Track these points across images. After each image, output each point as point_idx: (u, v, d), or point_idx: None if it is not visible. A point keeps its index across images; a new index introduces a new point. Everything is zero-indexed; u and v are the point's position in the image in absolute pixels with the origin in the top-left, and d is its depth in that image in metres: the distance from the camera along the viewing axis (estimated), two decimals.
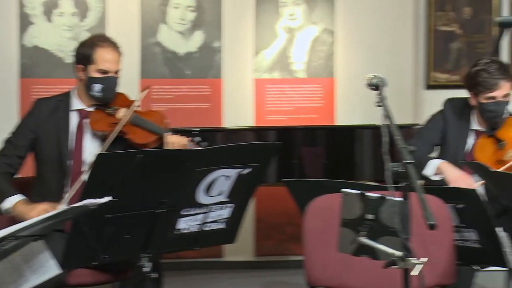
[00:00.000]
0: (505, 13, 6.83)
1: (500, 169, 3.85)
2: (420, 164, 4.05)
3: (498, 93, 4.04)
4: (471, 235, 3.46)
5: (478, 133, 4.16)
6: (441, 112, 4.27)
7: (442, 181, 4.01)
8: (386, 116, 2.88)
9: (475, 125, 4.17)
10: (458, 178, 3.96)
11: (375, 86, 2.95)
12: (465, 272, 3.92)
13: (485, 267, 3.91)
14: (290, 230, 6.47)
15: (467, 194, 3.43)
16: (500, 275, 4.09)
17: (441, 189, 3.59)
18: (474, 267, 3.89)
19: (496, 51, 2.34)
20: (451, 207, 3.44)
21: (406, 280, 2.75)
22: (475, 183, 3.90)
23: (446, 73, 6.86)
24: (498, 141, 4.04)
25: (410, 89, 6.73)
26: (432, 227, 2.61)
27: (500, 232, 3.38)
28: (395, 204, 2.74)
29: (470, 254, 3.49)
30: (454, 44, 6.93)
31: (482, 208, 3.36)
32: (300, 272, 3.64)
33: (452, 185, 3.93)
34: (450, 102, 4.30)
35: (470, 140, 4.17)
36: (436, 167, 4.06)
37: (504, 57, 6.93)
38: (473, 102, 4.13)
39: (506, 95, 4.07)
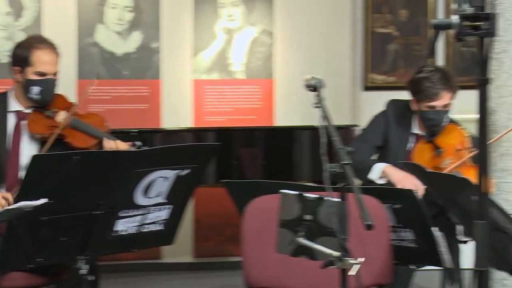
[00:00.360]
0: (440, 16, 6.93)
1: None
2: (364, 169, 4.07)
3: (438, 103, 4.07)
4: (408, 235, 3.49)
5: (418, 137, 4.19)
6: (383, 113, 4.30)
7: (388, 184, 4.04)
8: (324, 117, 2.89)
9: (416, 129, 4.20)
10: (404, 179, 3.99)
11: (313, 87, 2.96)
12: (404, 272, 3.97)
13: (421, 267, 3.95)
14: (229, 231, 6.47)
15: (404, 195, 3.46)
16: (436, 274, 4.14)
17: (378, 190, 3.62)
18: (411, 267, 3.93)
19: (431, 52, 2.37)
20: (388, 207, 3.47)
21: (343, 280, 2.77)
22: (420, 184, 3.93)
23: (383, 75, 6.94)
24: (436, 148, 4.09)
25: (348, 90, 6.78)
26: (369, 227, 2.63)
27: (436, 232, 3.42)
28: (333, 205, 2.75)
29: (407, 254, 3.52)
30: (391, 46, 7.00)
31: (419, 208, 3.40)
32: (239, 273, 3.63)
33: (398, 186, 3.96)
34: (393, 103, 4.32)
35: (410, 144, 4.21)
36: (381, 171, 4.08)
37: (439, 58, 7.03)
38: (414, 107, 4.17)
39: (447, 105, 4.10)
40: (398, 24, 7.01)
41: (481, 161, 2.35)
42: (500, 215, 2.76)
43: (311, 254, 2.81)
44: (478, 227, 2.35)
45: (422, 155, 4.08)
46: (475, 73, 2.34)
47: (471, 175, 3.89)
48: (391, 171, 4.05)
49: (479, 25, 2.24)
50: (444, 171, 3.94)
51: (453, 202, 3.10)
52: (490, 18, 2.24)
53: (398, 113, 4.24)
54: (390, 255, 3.45)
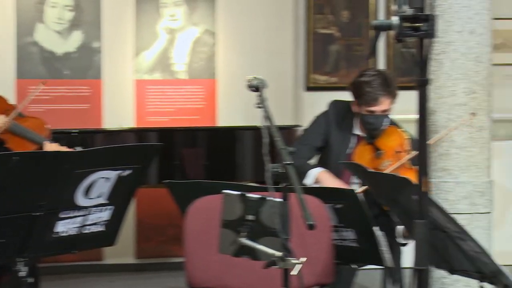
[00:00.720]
0: (381, 17, 7.00)
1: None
2: (301, 174, 4.08)
3: (377, 108, 4.10)
4: (349, 234, 3.51)
5: (359, 138, 4.22)
6: (324, 114, 4.31)
7: None
8: (266, 117, 2.89)
9: (357, 130, 4.23)
10: (333, 184, 4.03)
11: (255, 87, 2.96)
12: (345, 271, 3.99)
13: (363, 266, 3.98)
14: (171, 231, 6.44)
15: (346, 194, 3.49)
16: (377, 273, 4.18)
17: (320, 190, 3.64)
18: (353, 266, 3.96)
19: (372, 53, 2.38)
20: (330, 207, 3.49)
21: (285, 280, 2.78)
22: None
23: (325, 75, 6.98)
24: (376, 150, 4.12)
25: (290, 90, 6.80)
26: (311, 227, 2.64)
27: (377, 231, 3.45)
28: (275, 205, 2.75)
29: (348, 253, 3.54)
30: (333, 47, 7.05)
31: (360, 208, 3.43)
32: (181, 274, 3.62)
33: None
34: (334, 104, 4.34)
35: (352, 144, 4.23)
36: (315, 177, 4.10)
37: (380, 59, 7.10)
38: (355, 109, 4.19)
39: (386, 110, 4.13)
40: (340, 25, 7.06)
41: (421, 161, 2.37)
42: (440, 214, 2.79)
43: (254, 254, 2.81)
44: (418, 226, 2.38)
45: (362, 156, 4.11)
46: (415, 74, 2.37)
47: (409, 177, 3.97)
48: (324, 177, 4.08)
49: (418, 26, 2.27)
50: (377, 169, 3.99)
51: (394, 201, 3.13)
52: (429, 19, 2.27)
53: (340, 114, 4.26)
54: (332, 254, 3.47)
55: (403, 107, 6.12)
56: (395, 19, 2.28)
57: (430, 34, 2.28)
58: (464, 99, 4.43)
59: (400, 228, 3.97)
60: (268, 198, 2.78)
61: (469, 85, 4.45)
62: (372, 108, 4.09)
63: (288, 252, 2.70)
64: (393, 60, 7.08)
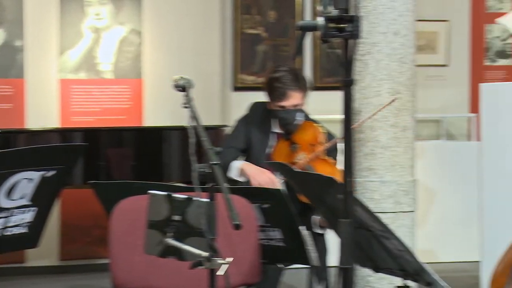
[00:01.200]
0: (308, 17, 7.05)
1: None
2: (224, 168, 4.10)
3: (287, 103, 4.15)
4: (276, 234, 3.53)
5: (278, 135, 4.26)
6: (244, 116, 4.35)
7: (248, 183, 4.08)
8: (193, 117, 2.88)
9: (276, 128, 4.27)
10: (259, 174, 4.05)
11: (182, 87, 2.95)
12: (272, 271, 4.01)
13: (289, 265, 4.00)
14: (97, 232, 6.37)
15: (272, 194, 3.50)
16: (304, 272, 4.21)
17: (247, 190, 3.64)
18: (279, 266, 3.97)
19: (298, 53, 2.40)
20: (257, 207, 3.50)
21: (212, 280, 2.77)
22: (276, 179, 4.02)
23: (253, 75, 7.00)
24: (292, 144, 4.17)
25: (218, 90, 6.80)
26: (237, 227, 2.64)
27: (303, 230, 3.47)
28: (201, 205, 2.75)
29: (275, 253, 3.56)
30: (260, 47, 7.07)
31: (287, 208, 3.44)
32: (106, 275, 3.58)
33: (253, 180, 4.01)
34: (254, 105, 4.38)
35: (271, 143, 4.26)
36: (238, 168, 4.12)
37: (307, 59, 7.15)
38: (270, 106, 4.23)
39: (297, 105, 4.17)
40: (266, 25, 7.09)
41: (346, 160, 2.39)
42: (364, 213, 2.82)
43: (180, 254, 2.80)
44: (343, 225, 2.39)
45: (280, 152, 4.17)
46: (340, 74, 2.38)
47: (323, 168, 4.03)
48: (247, 167, 4.11)
49: (343, 27, 2.28)
50: (298, 165, 4.03)
51: (319, 201, 3.15)
52: (354, 20, 2.29)
53: (260, 114, 4.31)
54: (259, 254, 3.47)
55: (328, 107, 6.19)
56: (320, 20, 2.29)
57: (355, 35, 2.29)
58: (388, 99, 4.49)
59: (315, 217, 4.02)
60: (194, 198, 2.77)
61: (393, 85, 4.51)
62: (283, 103, 4.15)
63: (214, 252, 2.70)
64: (319, 60, 7.14)
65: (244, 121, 4.32)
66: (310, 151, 4.12)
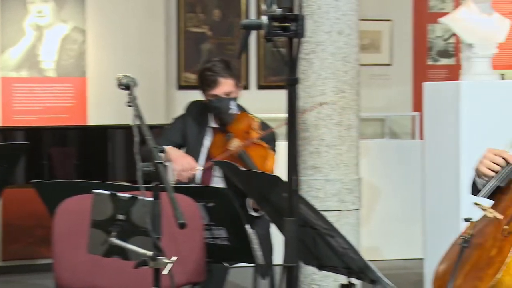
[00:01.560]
0: (252, 16, 7.06)
1: (221, 156, 4.08)
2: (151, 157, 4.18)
3: (219, 90, 4.20)
4: (221, 232, 3.53)
5: (215, 130, 4.30)
6: (182, 115, 4.41)
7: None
8: (137, 116, 2.87)
9: (212, 123, 4.31)
10: (180, 158, 4.11)
11: (126, 86, 2.93)
12: (218, 270, 4.01)
13: (235, 264, 4.01)
14: (40, 232, 6.30)
15: (217, 193, 3.50)
16: (249, 271, 4.21)
17: (191, 188, 3.64)
18: (225, 264, 3.98)
19: (242, 52, 2.40)
20: (202, 205, 3.49)
21: (156, 280, 2.76)
22: (196, 164, 4.13)
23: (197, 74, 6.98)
24: (227, 133, 4.21)
25: (162, 89, 6.78)
26: (182, 226, 2.63)
27: (249, 229, 3.47)
28: (146, 204, 2.73)
29: (220, 252, 3.56)
30: (205, 46, 7.06)
31: (232, 206, 3.44)
32: (49, 275, 3.55)
33: (174, 164, 4.07)
34: (191, 103, 4.47)
35: (208, 137, 4.30)
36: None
37: (252, 58, 7.16)
38: (204, 98, 4.28)
39: (230, 93, 4.21)
40: (211, 24, 7.08)
41: (291, 158, 2.40)
42: (310, 212, 2.83)
43: (124, 254, 2.78)
44: (288, 224, 2.40)
45: (217, 144, 4.24)
46: (285, 73, 2.39)
47: (257, 153, 4.12)
48: (171, 151, 4.15)
49: (287, 26, 2.29)
50: (231, 152, 4.11)
51: (264, 199, 3.15)
52: (298, 19, 2.29)
53: (196, 111, 4.37)
54: (204, 253, 3.47)
55: (273, 106, 6.21)
56: (264, 19, 2.30)
57: (299, 34, 2.30)
58: (333, 98, 4.52)
59: (249, 200, 4.05)
60: (139, 198, 2.75)
61: (337, 84, 4.54)
62: (215, 91, 4.20)
63: (159, 251, 2.69)
64: (264, 59, 7.16)
65: (181, 118, 4.39)
66: (244, 138, 4.17)
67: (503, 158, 3.28)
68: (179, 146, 4.32)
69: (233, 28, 7.09)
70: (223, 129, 4.25)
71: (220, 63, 4.26)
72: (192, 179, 4.17)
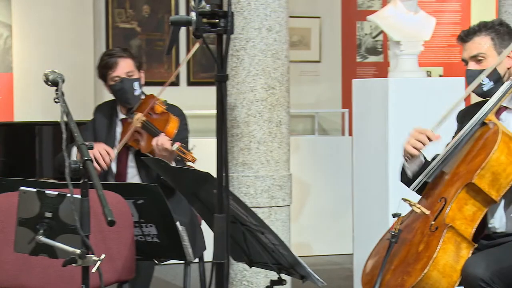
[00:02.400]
0: (182, 12, 7.04)
1: (127, 135, 4.14)
2: (69, 154, 4.21)
3: (120, 71, 4.23)
4: (151, 230, 3.51)
5: (123, 121, 4.29)
6: (92, 119, 4.43)
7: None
8: (65, 112, 2.83)
9: (121, 114, 4.32)
10: (96, 146, 4.08)
11: (53, 82, 2.90)
12: (145, 267, 3.99)
13: (165, 261, 3.99)
14: None
15: (147, 190, 3.48)
16: (180, 267, 4.20)
17: (121, 186, 3.61)
18: (155, 261, 3.96)
19: (171, 49, 2.39)
20: (131, 202, 3.47)
21: (85, 278, 2.73)
22: (111, 149, 4.14)
23: None
24: (131, 114, 4.22)
25: (91, 85, 6.71)
26: (111, 223, 2.61)
27: (179, 226, 3.46)
28: (74, 202, 2.70)
29: (150, 249, 3.54)
30: (134, 41, 7.01)
31: (161, 203, 3.43)
32: None
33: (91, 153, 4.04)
34: (98, 106, 4.49)
35: (119, 129, 4.32)
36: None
37: (182, 54, 7.14)
38: (108, 86, 4.28)
39: (130, 73, 4.24)
40: (140, 19, 7.04)
41: (220, 155, 2.40)
42: (240, 208, 2.84)
43: (52, 252, 2.75)
44: (217, 220, 2.40)
45: (125, 131, 4.22)
46: (215, 70, 2.39)
47: (159, 119, 4.16)
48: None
49: (216, 23, 2.29)
50: (133, 123, 4.14)
51: (194, 196, 3.15)
52: (227, 16, 2.30)
53: (104, 110, 4.41)
54: (133, 250, 3.45)
55: (204, 103, 6.20)
56: (193, 15, 2.29)
57: (228, 30, 2.30)
58: (263, 94, 4.53)
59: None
60: (67, 195, 2.72)
61: (267, 81, 4.55)
62: (116, 72, 4.23)
63: (87, 249, 2.66)
64: (194, 56, 7.14)
65: (90, 121, 4.41)
66: (147, 113, 4.19)
67: (427, 137, 3.37)
68: None
69: (162, 24, 7.05)
70: (131, 115, 4.25)
71: (117, 47, 4.40)
72: (108, 166, 4.14)
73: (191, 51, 4.44)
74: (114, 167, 4.24)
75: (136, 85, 4.25)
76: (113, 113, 4.35)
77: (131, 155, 4.25)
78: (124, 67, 4.24)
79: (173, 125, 4.17)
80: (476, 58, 3.43)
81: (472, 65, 3.45)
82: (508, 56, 3.40)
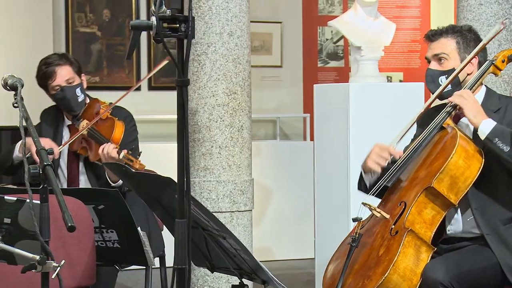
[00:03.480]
0: (143, 17, 7.02)
1: (73, 141, 4.09)
2: (7, 153, 4.23)
3: (60, 80, 4.15)
4: (112, 235, 3.49)
5: (70, 127, 4.25)
6: (37, 124, 4.34)
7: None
8: (24, 117, 2.81)
9: (68, 121, 4.27)
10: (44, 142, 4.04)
11: (11, 86, 2.87)
12: (107, 272, 3.96)
13: (126, 267, 3.97)
14: None
15: (108, 195, 3.46)
16: (141, 272, 4.18)
17: (81, 191, 3.59)
18: (116, 267, 3.94)
19: (131, 53, 2.38)
20: (92, 208, 3.45)
21: (45, 284, 2.71)
22: (55, 144, 4.09)
23: (88, 75, 6.89)
24: (77, 121, 4.18)
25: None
26: (71, 229, 2.59)
27: (140, 231, 3.45)
28: (33, 207, 2.67)
29: (111, 254, 3.52)
30: (94, 46, 6.98)
31: (123, 209, 3.41)
32: None
33: (33, 148, 3.98)
34: (43, 112, 4.39)
35: (65, 136, 4.27)
36: (20, 144, 4.09)
37: (143, 59, 7.11)
38: (50, 95, 4.23)
39: (71, 80, 4.17)
40: (100, 24, 7.00)
41: (181, 160, 2.39)
42: (201, 213, 2.83)
43: (11, 258, 2.72)
44: (179, 225, 2.39)
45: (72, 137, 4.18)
46: (176, 74, 2.38)
47: (104, 126, 4.10)
48: (28, 140, 4.10)
49: (177, 27, 2.29)
50: (82, 134, 4.09)
51: (156, 201, 3.14)
52: (188, 20, 2.29)
53: (49, 116, 4.34)
54: (94, 256, 3.42)
55: (166, 108, 6.18)
56: (153, 20, 2.29)
57: (189, 35, 2.30)
58: (225, 99, 4.54)
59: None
60: (26, 200, 2.69)
61: (229, 86, 4.56)
62: (55, 83, 4.16)
63: (47, 255, 2.64)
64: (155, 60, 7.12)
65: (38, 125, 4.27)
66: (93, 118, 4.14)
67: (390, 153, 3.39)
68: None
69: (123, 29, 7.02)
70: (78, 121, 4.21)
71: (54, 55, 4.26)
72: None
73: (158, 66, 4.38)
74: (65, 175, 4.20)
75: (78, 91, 4.17)
76: (60, 118, 4.29)
77: (81, 163, 4.21)
78: (63, 75, 4.14)
79: (118, 130, 4.11)
80: (438, 57, 3.45)
81: (434, 65, 3.47)
82: (470, 62, 3.43)
